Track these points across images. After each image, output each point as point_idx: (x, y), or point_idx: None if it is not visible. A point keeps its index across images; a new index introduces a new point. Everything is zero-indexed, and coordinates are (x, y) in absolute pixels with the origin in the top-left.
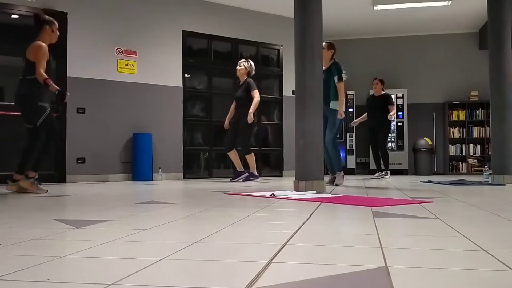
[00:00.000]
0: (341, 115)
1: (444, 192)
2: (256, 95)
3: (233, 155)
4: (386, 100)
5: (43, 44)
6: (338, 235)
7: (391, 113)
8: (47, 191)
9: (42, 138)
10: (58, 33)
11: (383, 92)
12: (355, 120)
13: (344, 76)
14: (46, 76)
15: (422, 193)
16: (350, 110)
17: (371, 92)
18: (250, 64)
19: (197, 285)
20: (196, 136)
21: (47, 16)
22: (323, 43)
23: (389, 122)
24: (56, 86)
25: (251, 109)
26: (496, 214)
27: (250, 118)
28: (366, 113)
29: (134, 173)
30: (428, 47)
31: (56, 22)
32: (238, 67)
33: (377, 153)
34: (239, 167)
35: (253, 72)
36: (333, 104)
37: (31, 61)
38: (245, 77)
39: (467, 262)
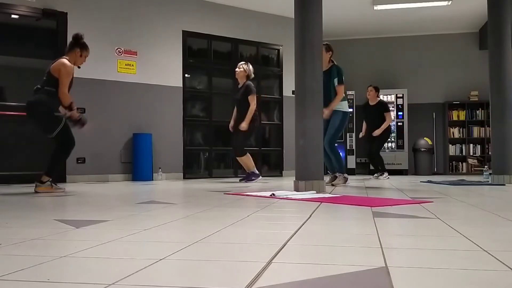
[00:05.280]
0: (326, 115)
1: (444, 192)
2: (253, 102)
3: (244, 159)
4: (381, 108)
5: (69, 63)
6: (338, 235)
7: (385, 124)
8: (64, 189)
9: (58, 146)
10: (85, 61)
11: (378, 99)
12: (362, 133)
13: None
14: (72, 100)
15: (422, 193)
16: (350, 110)
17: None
18: (249, 67)
19: (197, 285)
20: (196, 136)
21: (84, 41)
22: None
23: (387, 131)
24: (77, 114)
25: (246, 118)
26: (496, 214)
27: (244, 127)
28: (364, 120)
29: (134, 173)
30: (428, 47)
31: (89, 50)
32: (237, 69)
33: (373, 157)
34: (249, 169)
35: (252, 75)
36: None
37: (54, 76)
38: (245, 80)
39: (467, 262)
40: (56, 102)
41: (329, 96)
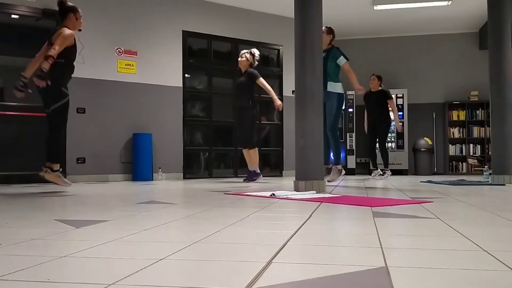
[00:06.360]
0: (359, 90)
1: (444, 192)
2: (264, 83)
3: (252, 153)
4: (383, 96)
5: (67, 29)
6: (338, 235)
7: (394, 113)
8: (71, 184)
9: (50, 126)
10: (82, 21)
11: (380, 88)
12: (365, 126)
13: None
14: (54, 56)
15: (422, 193)
16: (350, 110)
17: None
18: (253, 55)
19: (197, 285)
20: (196, 136)
21: (70, 4)
22: (323, 28)
23: (389, 118)
24: (45, 69)
25: (274, 98)
26: (496, 214)
27: (279, 103)
28: (365, 111)
29: (134, 173)
30: (428, 47)
31: (79, 10)
32: (240, 58)
33: (373, 150)
34: (250, 166)
35: (256, 64)
36: (330, 86)
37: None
38: (247, 68)
39: (467, 262)
40: (65, 75)
41: (326, 77)
